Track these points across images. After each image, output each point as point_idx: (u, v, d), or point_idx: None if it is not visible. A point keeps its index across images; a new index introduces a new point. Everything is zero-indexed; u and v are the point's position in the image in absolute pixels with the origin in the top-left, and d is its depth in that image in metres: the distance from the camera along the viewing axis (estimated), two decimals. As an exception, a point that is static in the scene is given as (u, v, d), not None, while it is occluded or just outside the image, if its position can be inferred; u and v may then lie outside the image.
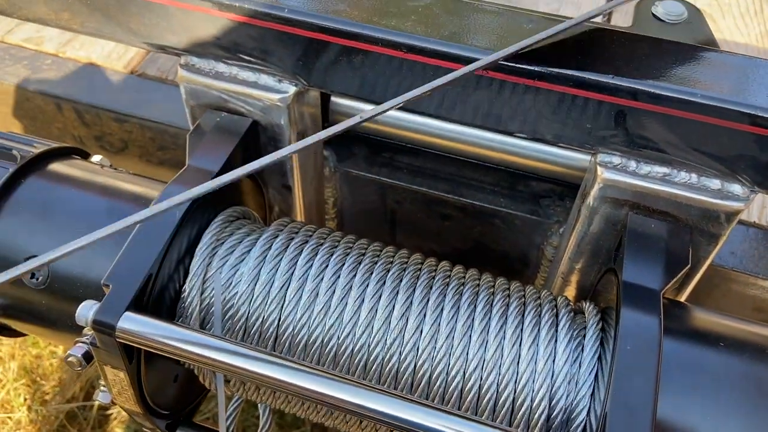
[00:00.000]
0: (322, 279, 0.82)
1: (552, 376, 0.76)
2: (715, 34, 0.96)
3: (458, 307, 0.81)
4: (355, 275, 0.83)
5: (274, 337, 0.82)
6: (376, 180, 1.10)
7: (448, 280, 0.84)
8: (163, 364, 0.87)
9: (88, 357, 0.78)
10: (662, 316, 0.75)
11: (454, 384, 0.78)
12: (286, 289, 0.82)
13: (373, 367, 0.80)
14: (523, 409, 0.76)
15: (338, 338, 0.80)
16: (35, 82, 1.38)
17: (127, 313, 0.75)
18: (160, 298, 0.82)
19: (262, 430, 0.91)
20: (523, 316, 0.81)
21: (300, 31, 0.86)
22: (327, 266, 0.83)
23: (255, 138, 0.97)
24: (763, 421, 0.73)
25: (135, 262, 0.78)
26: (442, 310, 0.81)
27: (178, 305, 0.85)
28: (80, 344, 0.78)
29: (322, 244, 0.86)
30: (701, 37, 0.94)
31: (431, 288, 0.82)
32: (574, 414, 0.76)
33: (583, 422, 0.75)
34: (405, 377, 0.79)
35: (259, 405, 0.90)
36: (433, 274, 0.85)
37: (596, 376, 0.76)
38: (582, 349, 0.78)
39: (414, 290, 0.82)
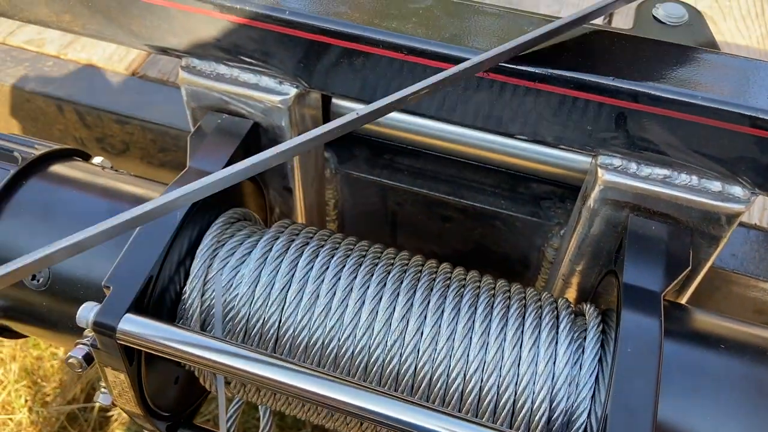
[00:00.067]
0: (322, 281, 0.82)
1: (552, 378, 0.76)
2: (716, 37, 0.96)
3: (459, 309, 0.81)
4: (355, 277, 0.83)
5: (274, 338, 0.82)
6: (377, 182, 1.10)
7: (448, 282, 0.84)
8: (163, 366, 0.87)
9: (88, 359, 0.78)
10: (663, 318, 0.75)
11: (454, 386, 0.78)
12: (287, 291, 0.82)
13: (374, 369, 0.80)
14: (523, 411, 0.76)
15: (339, 340, 0.80)
16: (37, 84, 1.38)
17: (128, 315, 0.75)
18: (160, 299, 0.82)
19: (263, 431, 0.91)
20: (523, 318, 0.81)
21: (301, 33, 0.86)
22: (328, 268, 0.83)
23: (256, 140, 0.97)
24: (763, 422, 0.73)
25: (136, 264, 0.78)
26: (442, 312, 0.80)
27: (178, 307, 0.85)
28: (81, 346, 0.79)
29: (322, 246, 0.86)
30: (702, 39, 0.94)
31: (432, 290, 0.82)
32: (575, 416, 0.75)
33: (584, 424, 0.75)
34: (405, 379, 0.79)
35: (259, 407, 0.90)
36: (434, 276, 0.85)
37: (597, 378, 0.76)
38: (582, 351, 0.78)
39: (415, 292, 0.82)
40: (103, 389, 0.85)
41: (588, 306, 0.85)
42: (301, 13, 0.85)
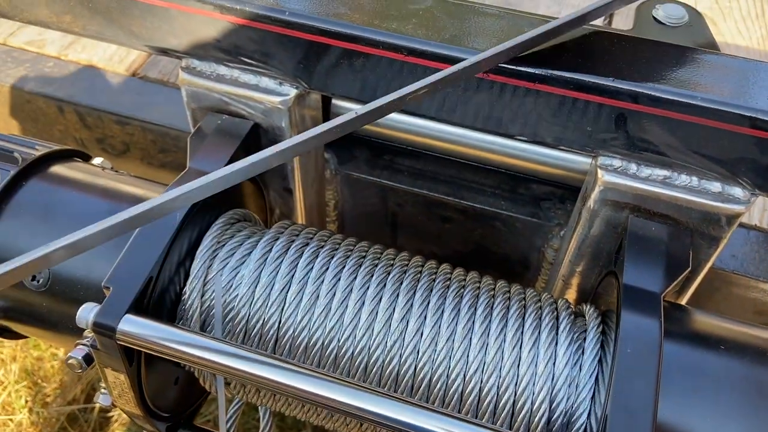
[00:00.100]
0: (322, 282, 0.82)
1: (552, 378, 0.76)
2: (716, 38, 0.96)
3: (459, 310, 0.81)
4: (355, 278, 0.83)
5: (274, 339, 0.82)
6: (377, 183, 1.10)
7: (448, 282, 0.84)
8: (163, 367, 0.87)
9: (88, 359, 0.78)
10: (663, 319, 0.75)
11: (454, 387, 0.78)
12: (287, 292, 0.82)
13: (374, 370, 0.80)
14: (523, 411, 0.76)
15: (339, 341, 0.80)
16: (37, 85, 1.38)
17: (128, 316, 0.75)
18: (160, 300, 0.82)
19: (263, 432, 0.91)
20: (523, 318, 0.81)
21: (301, 34, 0.86)
22: (327, 269, 0.83)
23: (256, 141, 0.97)
24: (763, 423, 0.73)
25: (135, 265, 0.78)
26: (442, 312, 0.80)
27: (178, 308, 0.85)
28: (81, 347, 0.79)
29: (322, 247, 0.86)
30: (702, 40, 0.94)
31: (432, 291, 0.82)
32: (575, 417, 0.75)
33: (584, 425, 0.75)
34: (405, 380, 0.79)
35: (259, 407, 0.90)
36: (434, 276, 0.85)
37: (597, 378, 0.76)
38: (582, 352, 0.78)
39: (414, 293, 0.82)
40: (103, 390, 0.85)
41: (588, 307, 0.85)
42: (301, 14, 0.85)
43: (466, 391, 0.77)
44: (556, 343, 0.78)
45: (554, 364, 0.77)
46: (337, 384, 0.71)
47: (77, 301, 0.79)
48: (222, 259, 0.85)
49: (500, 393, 0.77)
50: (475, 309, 0.81)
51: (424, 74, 0.83)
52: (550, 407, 0.76)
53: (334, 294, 0.82)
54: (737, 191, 0.82)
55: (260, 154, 0.67)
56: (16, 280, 0.63)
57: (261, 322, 0.82)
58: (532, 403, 0.76)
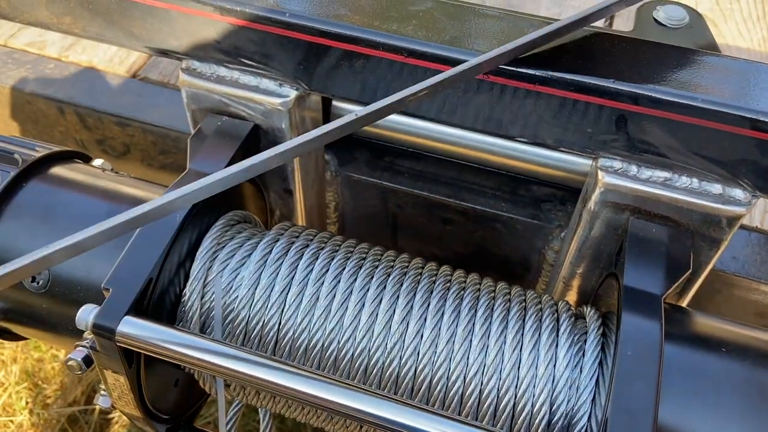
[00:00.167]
0: (322, 283, 0.82)
1: (553, 381, 0.76)
2: (717, 39, 0.96)
3: (459, 312, 0.80)
4: (355, 279, 0.83)
5: (274, 341, 0.82)
6: (378, 184, 1.10)
7: (448, 284, 0.84)
8: (163, 369, 0.86)
9: (88, 361, 0.78)
10: (663, 321, 0.75)
11: (454, 389, 0.78)
12: (287, 294, 0.82)
13: (374, 372, 0.79)
14: (523, 414, 0.76)
15: (338, 342, 0.80)
16: (37, 86, 1.38)
17: (127, 317, 0.75)
18: (160, 302, 0.82)
19: (263, 434, 0.91)
20: (523, 320, 0.80)
21: (301, 35, 0.86)
22: (327, 270, 0.83)
23: (256, 142, 0.97)
24: (764, 425, 0.72)
25: (135, 266, 0.78)
26: (442, 314, 0.80)
27: (178, 309, 0.85)
28: (80, 348, 0.78)
29: (322, 249, 0.86)
30: (703, 41, 0.94)
31: (432, 292, 0.82)
32: (575, 419, 0.75)
33: (584, 427, 0.75)
34: (405, 382, 0.79)
35: (259, 409, 0.89)
36: (434, 278, 0.85)
37: (597, 381, 0.76)
38: (583, 354, 0.78)
39: (414, 295, 0.82)
40: (102, 392, 0.85)
41: (588, 309, 0.85)
42: (301, 16, 0.85)
43: (467, 393, 0.77)
44: (557, 345, 0.78)
45: (555, 366, 0.77)
46: (337, 386, 0.71)
47: (77, 302, 0.79)
48: (222, 261, 0.85)
49: (500, 395, 0.76)
50: (476, 311, 0.81)
51: (424, 75, 0.83)
52: (551, 409, 0.76)
53: (334, 296, 0.81)
54: (738, 193, 0.82)
55: (260, 156, 0.67)
56: (16, 280, 0.63)
57: (261, 323, 0.82)
58: (533, 406, 0.76)
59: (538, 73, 0.79)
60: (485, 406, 0.77)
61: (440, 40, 0.82)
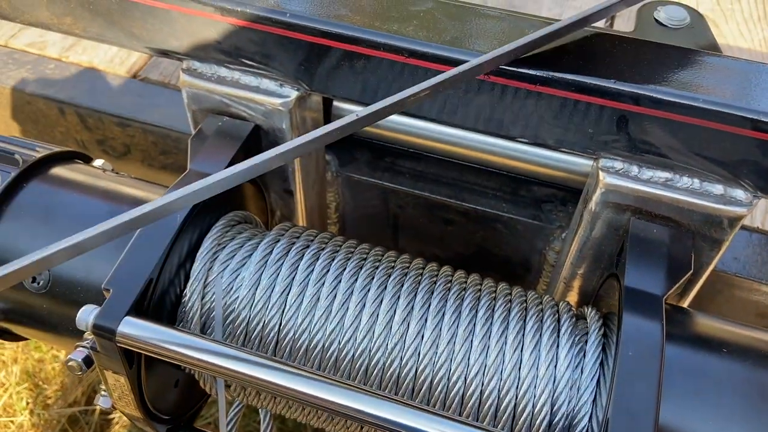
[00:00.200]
0: (323, 284, 0.82)
1: (554, 381, 0.76)
2: (718, 40, 0.96)
3: (460, 312, 0.80)
4: (356, 280, 0.83)
5: (274, 341, 0.82)
6: (378, 185, 1.10)
7: (449, 285, 0.84)
8: (163, 369, 0.86)
9: (88, 361, 0.78)
10: (664, 321, 0.75)
11: (455, 389, 0.77)
12: (287, 294, 0.82)
13: (374, 372, 0.79)
14: (524, 414, 0.76)
15: (339, 343, 0.80)
16: (38, 87, 1.38)
17: (128, 318, 0.75)
18: (160, 302, 0.81)
19: (263, 435, 0.91)
20: (524, 321, 0.80)
21: (302, 35, 0.86)
22: (328, 271, 0.83)
23: (257, 142, 0.97)
24: (766, 426, 0.72)
25: (136, 267, 0.78)
26: (443, 315, 0.80)
27: (178, 310, 0.85)
28: (81, 349, 0.78)
29: (323, 249, 0.86)
30: (704, 42, 0.94)
31: (432, 293, 0.82)
32: (576, 420, 0.75)
33: (585, 428, 0.75)
34: (406, 382, 0.79)
35: (260, 410, 0.89)
36: (435, 279, 0.85)
37: (598, 381, 0.76)
38: (584, 355, 0.78)
39: (415, 295, 0.82)
40: (103, 392, 0.85)
41: (589, 309, 0.85)
42: (302, 16, 0.85)
43: (467, 394, 0.77)
44: (558, 346, 0.78)
45: (555, 366, 0.77)
46: (338, 387, 0.71)
47: (77, 303, 0.79)
48: (222, 261, 0.85)
49: (501, 396, 0.76)
50: (477, 311, 0.81)
51: (425, 76, 0.83)
52: (552, 410, 0.76)
53: (335, 296, 0.81)
54: (739, 193, 0.82)
55: (261, 157, 0.67)
56: (17, 281, 0.63)
57: (261, 324, 0.82)
58: (534, 406, 0.76)
59: (539, 73, 0.79)
60: (486, 406, 0.76)
61: (441, 40, 0.82)
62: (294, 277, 0.83)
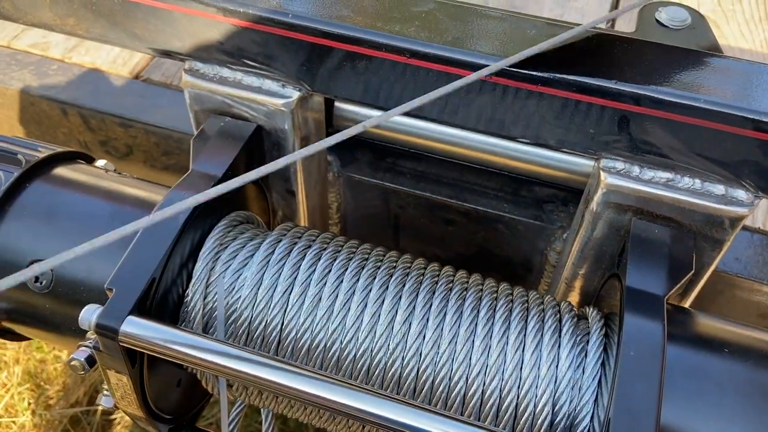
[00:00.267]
0: (324, 284, 0.82)
1: (555, 381, 0.76)
2: (720, 41, 0.96)
3: (461, 312, 0.81)
4: (357, 280, 0.83)
5: (276, 341, 0.82)
6: (380, 185, 1.10)
7: (450, 285, 0.84)
8: (166, 369, 0.87)
9: (91, 361, 0.78)
10: (666, 321, 0.75)
11: (456, 389, 0.78)
12: (289, 294, 0.82)
13: (376, 372, 0.79)
14: (526, 414, 0.76)
15: (341, 343, 0.80)
16: (41, 87, 1.38)
17: (130, 317, 0.75)
18: (163, 302, 0.82)
19: (265, 435, 0.91)
20: (526, 321, 0.80)
21: (304, 36, 0.86)
22: (330, 271, 0.83)
23: (259, 143, 0.98)
24: (767, 427, 0.72)
25: (138, 266, 0.78)
26: (444, 315, 0.80)
27: (181, 309, 0.85)
28: (83, 348, 0.79)
29: (324, 249, 0.86)
30: (705, 43, 0.94)
31: (434, 293, 0.82)
32: (578, 420, 0.75)
33: (587, 428, 0.75)
34: (408, 382, 0.79)
35: (261, 410, 0.90)
36: (436, 279, 0.85)
37: (599, 381, 0.76)
38: (585, 355, 0.78)
39: (417, 295, 0.82)
40: (105, 392, 0.85)
41: (591, 309, 0.85)
42: (303, 17, 0.85)
43: (469, 394, 0.77)
44: (559, 346, 0.78)
45: (557, 366, 0.77)
46: (340, 386, 0.71)
47: (80, 302, 0.79)
48: (225, 261, 0.85)
49: (503, 395, 0.76)
50: (478, 311, 0.81)
51: (426, 76, 0.83)
52: (553, 410, 0.76)
53: (337, 296, 0.82)
54: (740, 194, 0.82)
55: (269, 167, 0.66)
56: (19, 283, 0.63)
57: (263, 324, 0.82)
58: (535, 406, 0.76)
59: (540, 74, 0.79)
60: (488, 406, 0.77)
61: (442, 41, 0.82)
62: (296, 277, 0.83)
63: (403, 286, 0.83)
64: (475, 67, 0.77)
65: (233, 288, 0.84)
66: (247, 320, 0.82)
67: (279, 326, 0.82)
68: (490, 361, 0.77)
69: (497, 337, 0.78)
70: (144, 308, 0.78)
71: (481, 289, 0.84)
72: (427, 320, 0.80)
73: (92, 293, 0.85)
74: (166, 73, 1.44)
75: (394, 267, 0.86)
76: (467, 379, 0.77)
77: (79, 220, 0.91)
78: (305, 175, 1.05)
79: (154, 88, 1.41)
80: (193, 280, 0.84)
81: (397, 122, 1.07)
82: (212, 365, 0.74)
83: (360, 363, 0.80)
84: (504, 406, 0.76)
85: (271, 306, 0.82)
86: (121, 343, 0.75)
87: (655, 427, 0.68)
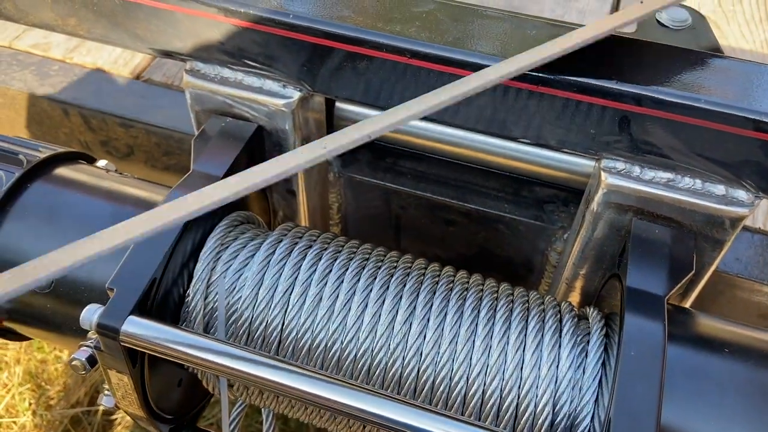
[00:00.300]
0: (325, 284, 0.83)
1: (556, 381, 0.76)
2: (720, 41, 0.96)
3: (462, 312, 0.81)
4: (358, 280, 0.83)
5: (277, 341, 0.82)
6: (380, 185, 1.10)
7: (451, 285, 0.84)
8: (166, 369, 0.87)
9: (92, 361, 0.79)
10: (666, 322, 0.75)
11: (457, 389, 0.78)
12: (290, 294, 0.82)
13: (377, 372, 0.80)
14: (526, 414, 0.76)
15: (342, 343, 0.80)
16: (42, 88, 1.39)
17: (131, 317, 0.75)
18: (164, 302, 0.82)
19: (266, 434, 0.91)
20: (526, 321, 0.80)
21: (305, 36, 0.86)
22: (330, 271, 0.84)
23: (260, 143, 0.98)
24: (767, 427, 0.72)
25: (139, 267, 0.79)
26: (445, 315, 0.80)
27: (181, 309, 0.85)
28: (84, 348, 0.79)
29: (325, 249, 0.86)
30: (705, 43, 0.94)
31: (435, 293, 0.82)
32: (578, 420, 0.75)
33: (587, 428, 0.75)
34: (408, 382, 0.79)
35: (262, 410, 0.90)
36: (437, 279, 0.85)
37: (600, 381, 0.76)
38: (586, 355, 0.78)
39: (417, 295, 0.82)
40: (106, 392, 0.86)
41: (591, 310, 0.85)
42: (304, 17, 0.85)
43: (470, 394, 0.77)
44: (560, 346, 0.78)
45: (557, 366, 0.77)
46: (340, 386, 0.71)
47: (81, 302, 0.79)
48: (225, 261, 0.85)
49: (503, 395, 0.76)
50: (479, 312, 0.81)
51: (427, 77, 0.84)
52: (554, 410, 0.76)
53: (337, 296, 0.82)
54: (741, 194, 0.82)
55: (267, 170, 0.67)
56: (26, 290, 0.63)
57: (264, 324, 0.82)
58: (536, 406, 0.76)
59: (540, 74, 0.79)
60: (488, 406, 0.77)
61: (443, 41, 0.82)
62: (296, 277, 0.83)
63: (404, 286, 0.83)
64: (476, 68, 0.77)
65: (234, 288, 0.84)
66: (248, 320, 0.82)
67: (280, 326, 0.82)
68: (491, 361, 0.77)
69: (498, 337, 0.79)
70: (145, 308, 0.78)
71: (482, 289, 0.84)
72: (428, 320, 0.80)
73: (93, 293, 0.86)
74: (167, 73, 1.45)
75: (395, 267, 0.86)
76: (468, 379, 0.77)
77: (80, 220, 0.91)
78: (306, 175, 1.05)
79: (155, 88, 1.41)
80: (194, 280, 0.84)
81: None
82: (213, 365, 0.74)
83: (361, 363, 0.80)
84: (504, 406, 0.76)
85: (272, 306, 0.82)
86: (122, 343, 0.75)
87: (655, 427, 0.68)
